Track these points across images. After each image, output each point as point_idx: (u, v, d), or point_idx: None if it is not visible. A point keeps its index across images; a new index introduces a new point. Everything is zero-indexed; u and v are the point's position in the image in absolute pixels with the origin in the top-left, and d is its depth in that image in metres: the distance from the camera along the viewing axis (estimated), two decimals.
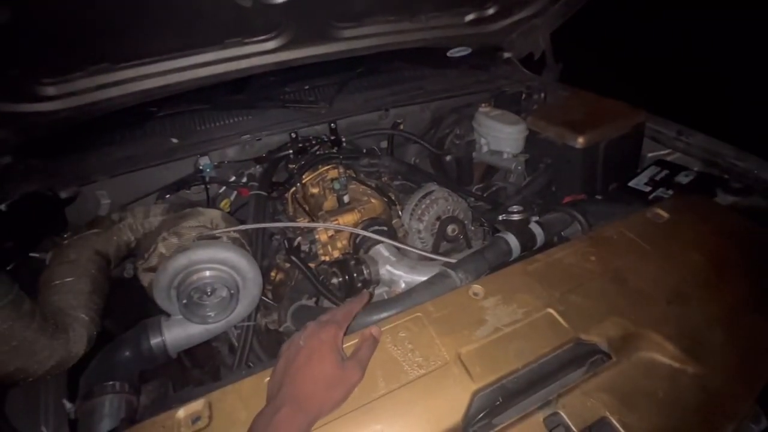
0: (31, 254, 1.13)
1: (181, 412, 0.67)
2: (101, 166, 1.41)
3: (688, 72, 3.73)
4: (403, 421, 0.68)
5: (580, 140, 1.46)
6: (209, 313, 1.00)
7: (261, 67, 1.50)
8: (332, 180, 1.38)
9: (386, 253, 1.16)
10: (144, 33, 1.23)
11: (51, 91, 1.23)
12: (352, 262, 1.11)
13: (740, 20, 3.66)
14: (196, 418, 0.67)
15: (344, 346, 0.75)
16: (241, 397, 0.68)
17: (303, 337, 0.72)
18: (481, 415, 0.71)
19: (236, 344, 1.10)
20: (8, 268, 1.06)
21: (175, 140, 1.54)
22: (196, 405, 0.68)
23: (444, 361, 0.74)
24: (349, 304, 0.82)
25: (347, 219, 1.28)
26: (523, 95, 1.90)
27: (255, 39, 1.42)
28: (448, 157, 1.72)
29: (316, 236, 1.26)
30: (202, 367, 1.27)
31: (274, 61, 1.51)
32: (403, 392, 0.70)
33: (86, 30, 1.13)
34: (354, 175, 1.47)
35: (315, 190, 1.44)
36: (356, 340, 0.76)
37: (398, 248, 1.18)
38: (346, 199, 1.34)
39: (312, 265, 1.21)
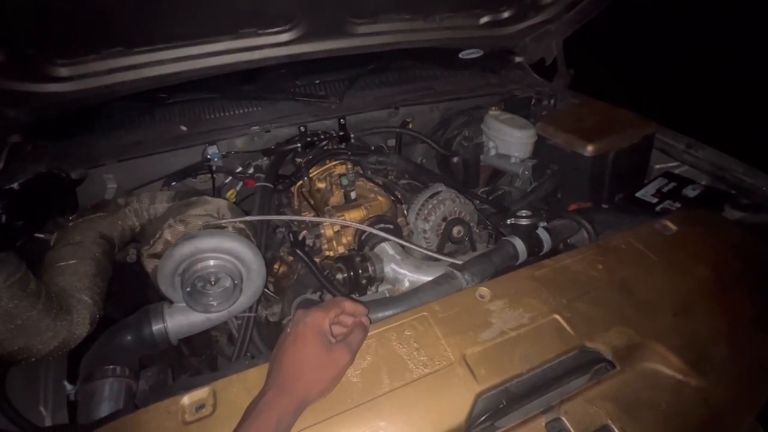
0: (37, 234, 1.12)
1: (186, 399, 0.67)
2: (110, 149, 1.41)
3: (699, 84, 3.73)
4: (406, 419, 0.68)
5: (590, 148, 1.45)
6: (212, 302, 1.00)
7: (274, 59, 1.50)
8: (340, 176, 1.38)
9: (391, 251, 1.16)
10: (159, 18, 1.23)
11: (64, 72, 1.23)
12: (358, 259, 1.11)
13: (759, 35, 3.64)
14: (200, 406, 0.67)
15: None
16: (246, 387, 0.68)
17: (290, 323, 0.73)
18: (484, 417, 0.71)
19: (236, 335, 1.10)
20: (15, 247, 1.06)
21: (184, 128, 1.54)
22: (201, 393, 0.68)
23: (449, 361, 0.74)
24: (340, 298, 0.82)
25: (353, 215, 1.27)
26: (533, 100, 1.90)
27: (269, 30, 1.42)
28: (455, 159, 1.72)
29: (322, 231, 1.26)
30: (199, 356, 1.27)
31: (287, 54, 1.50)
32: (407, 390, 0.70)
33: (102, 13, 1.13)
34: (361, 172, 1.47)
35: (321, 185, 1.44)
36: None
37: (403, 247, 1.18)
38: (353, 195, 1.34)
39: (316, 259, 1.21)
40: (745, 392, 0.81)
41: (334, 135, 1.58)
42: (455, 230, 1.28)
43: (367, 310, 0.79)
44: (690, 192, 1.38)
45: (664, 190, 1.42)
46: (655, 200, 1.38)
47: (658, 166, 1.63)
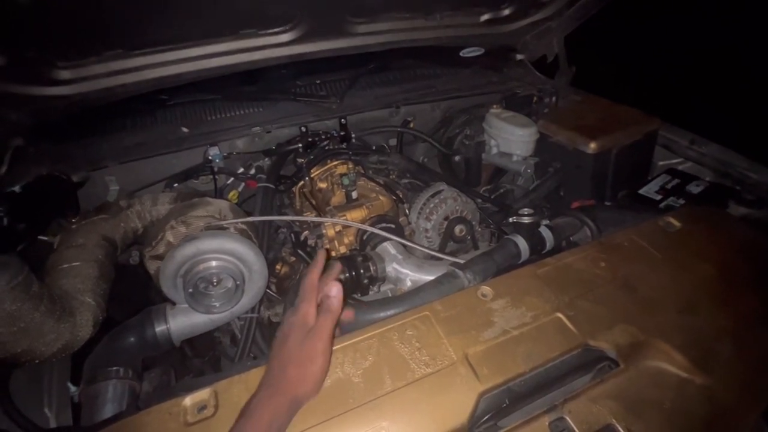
0: (40, 237, 1.13)
1: (188, 400, 0.67)
2: (111, 151, 1.42)
3: (702, 80, 3.71)
4: (408, 419, 0.68)
5: (592, 145, 1.45)
6: (214, 303, 1.00)
7: (274, 60, 1.50)
8: (341, 175, 1.38)
9: (393, 251, 1.16)
10: (160, 20, 1.23)
11: (65, 75, 1.23)
12: (359, 258, 1.10)
13: (762, 31, 3.60)
14: (202, 407, 0.67)
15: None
16: (248, 388, 0.68)
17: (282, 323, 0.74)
18: (487, 416, 0.70)
19: (239, 335, 1.10)
20: (17, 250, 1.06)
21: (185, 129, 1.55)
22: (203, 394, 0.68)
23: (451, 360, 0.74)
24: (308, 273, 0.79)
25: (355, 215, 1.27)
26: (535, 98, 1.89)
27: (270, 31, 1.42)
28: (457, 158, 1.71)
29: (323, 231, 1.26)
30: (202, 357, 1.27)
31: (288, 54, 1.50)
32: (409, 390, 0.70)
33: (103, 15, 1.14)
34: (363, 172, 1.47)
35: (323, 185, 1.44)
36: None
37: (405, 246, 1.18)
38: (354, 194, 1.34)
39: None
40: (750, 390, 0.80)
41: (335, 135, 1.58)
42: (457, 229, 1.27)
43: (339, 287, 0.75)
44: (694, 188, 1.37)
45: (668, 186, 1.41)
46: (658, 197, 1.37)
47: (661, 163, 1.62)
